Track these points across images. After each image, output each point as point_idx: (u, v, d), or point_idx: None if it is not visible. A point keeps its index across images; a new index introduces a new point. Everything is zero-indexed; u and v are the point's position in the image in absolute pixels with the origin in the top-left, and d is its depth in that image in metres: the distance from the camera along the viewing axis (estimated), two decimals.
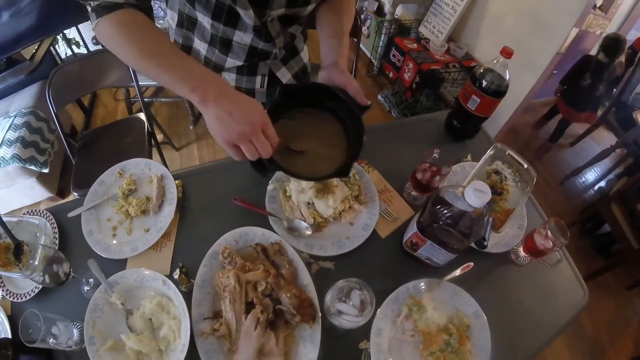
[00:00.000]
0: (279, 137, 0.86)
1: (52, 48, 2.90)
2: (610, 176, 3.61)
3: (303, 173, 0.93)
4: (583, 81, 3.13)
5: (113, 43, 0.87)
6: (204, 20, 1.05)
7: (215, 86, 0.82)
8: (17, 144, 2.34)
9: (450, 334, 0.96)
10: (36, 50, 2.69)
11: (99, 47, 2.75)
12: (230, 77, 1.23)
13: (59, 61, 3.08)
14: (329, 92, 0.98)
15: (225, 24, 1.04)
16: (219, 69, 1.19)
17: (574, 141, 3.90)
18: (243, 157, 0.84)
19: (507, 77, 1.19)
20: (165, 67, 0.83)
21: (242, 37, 1.09)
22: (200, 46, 1.14)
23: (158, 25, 0.98)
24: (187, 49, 1.17)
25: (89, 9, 0.88)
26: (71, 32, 3.15)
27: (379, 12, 3.73)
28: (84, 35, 3.11)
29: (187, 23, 1.11)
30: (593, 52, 3.24)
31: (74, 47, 3.27)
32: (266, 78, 1.26)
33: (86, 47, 3.22)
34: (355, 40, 2.18)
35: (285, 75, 1.31)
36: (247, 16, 0.98)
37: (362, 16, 3.86)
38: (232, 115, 0.79)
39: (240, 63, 1.17)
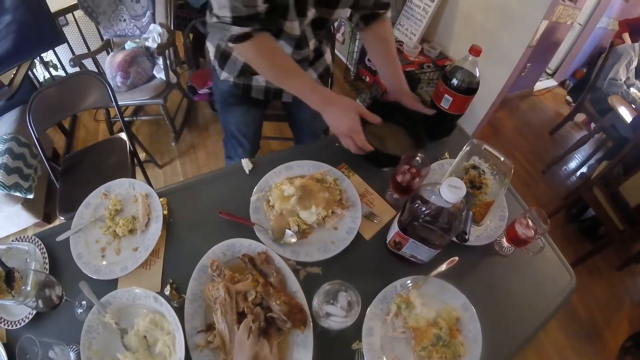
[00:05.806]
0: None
1: (29, 72, 2.87)
2: (591, 161, 3.67)
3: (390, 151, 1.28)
4: None
5: (252, 63, 1.18)
6: None
7: (326, 96, 1.18)
8: (1, 171, 2.30)
9: (440, 328, 0.97)
10: (14, 75, 2.64)
11: (77, 69, 2.74)
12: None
13: (38, 85, 3.04)
14: (401, 109, 1.39)
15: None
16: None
17: (552, 130, 3.95)
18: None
19: (478, 74, 1.22)
20: (295, 84, 1.18)
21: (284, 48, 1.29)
22: None
23: None
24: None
25: (224, 40, 1.10)
26: (48, 55, 3.11)
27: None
28: (61, 58, 3.07)
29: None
30: None
31: (51, 69, 3.23)
32: None
33: (64, 69, 3.18)
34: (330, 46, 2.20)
35: (312, 75, 1.47)
36: (291, 27, 1.19)
37: (336, 23, 3.88)
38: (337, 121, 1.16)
39: None
